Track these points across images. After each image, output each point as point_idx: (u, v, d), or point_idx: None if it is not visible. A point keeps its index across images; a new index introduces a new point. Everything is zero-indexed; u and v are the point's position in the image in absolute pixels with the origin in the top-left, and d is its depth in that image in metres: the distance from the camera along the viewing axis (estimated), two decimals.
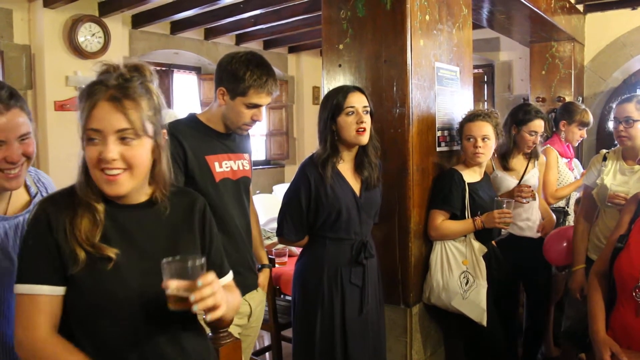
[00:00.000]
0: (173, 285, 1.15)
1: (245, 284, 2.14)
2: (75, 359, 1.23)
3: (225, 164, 2.13)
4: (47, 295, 1.24)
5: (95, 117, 1.21)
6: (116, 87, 1.24)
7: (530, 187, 2.95)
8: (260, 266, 2.41)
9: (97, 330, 1.26)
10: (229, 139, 2.19)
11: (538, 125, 3.10)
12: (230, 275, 1.50)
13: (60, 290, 1.25)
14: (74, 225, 1.23)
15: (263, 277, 2.37)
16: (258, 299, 2.29)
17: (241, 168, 2.20)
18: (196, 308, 1.14)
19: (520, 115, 3.14)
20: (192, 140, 2.04)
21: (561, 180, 3.46)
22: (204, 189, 2.00)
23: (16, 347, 1.25)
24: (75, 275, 1.23)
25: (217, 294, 1.17)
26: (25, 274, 1.25)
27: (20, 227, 1.53)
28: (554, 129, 3.67)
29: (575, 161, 3.86)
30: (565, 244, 2.82)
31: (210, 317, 1.18)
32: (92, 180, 1.26)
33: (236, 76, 2.01)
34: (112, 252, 1.24)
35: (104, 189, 1.24)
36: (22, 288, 1.24)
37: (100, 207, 1.27)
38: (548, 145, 3.49)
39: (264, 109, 2.11)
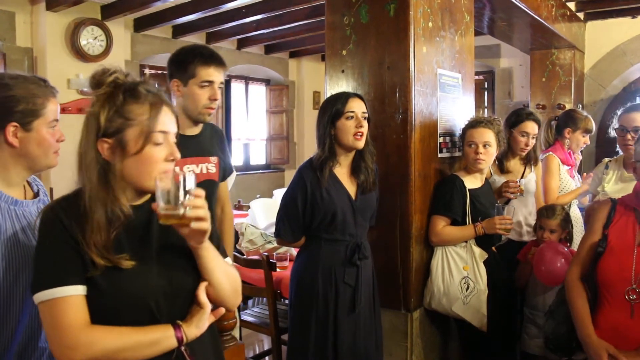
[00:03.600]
0: (163, 205, 1.19)
1: None
2: (130, 331, 1.22)
3: (187, 168, 2.15)
4: (78, 295, 1.21)
5: (162, 121, 1.28)
6: (160, 94, 1.32)
7: (516, 181, 2.95)
8: None
9: None
10: (193, 141, 2.21)
11: (529, 126, 3.10)
12: (229, 260, 1.51)
13: (84, 289, 1.22)
14: (87, 240, 1.22)
15: None
16: None
17: (204, 171, 2.22)
18: (187, 210, 1.19)
19: (513, 118, 3.18)
20: None
21: (562, 188, 3.45)
22: None
23: (67, 356, 1.18)
24: (94, 278, 1.22)
25: (206, 209, 1.23)
26: (49, 278, 1.20)
27: (36, 211, 1.55)
28: (557, 136, 3.68)
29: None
30: (558, 265, 2.63)
31: (197, 225, 1.21)
32: (127, 182, 1.27)
33: (183, 62, 2.14)
34: (128, 263, 1.24)
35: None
36: (47, 294, 1.19)
37: (127, 209, 1.27)
38: (550, 152, 3.49)
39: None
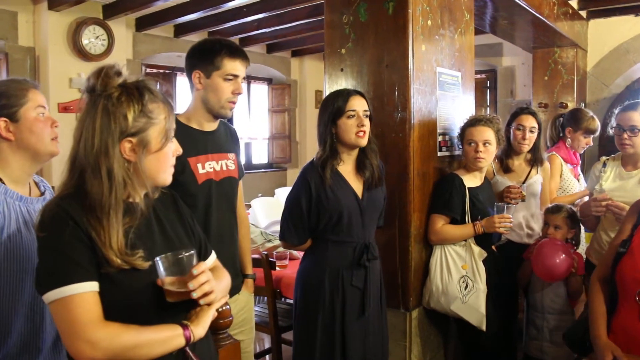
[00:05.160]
0: (169, 281, 1.23)
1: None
2: (144, 329, 1.22)
3: (209, 164, 2.09)
4: (93, 291, 1.20)
5: (174, 119, 1.36)
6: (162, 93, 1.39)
7: (518, 187, 2.92)
8: (243, 275, 2.33)
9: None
10: (212, 137, 2.14)
11: (524, 119, 3.08)
12: (214, 255, 1.53)
13: (97, 286, 1.21)
14: (103, 239, 1.21)
15: (246, 288, 2.32)
16: (240, 305, 2.22)
17: (225, 168, 2.15)
18: (195, 295, 1.23)
19: (510, 115, 3.19)
20: None
21: (565, 188, 3.41)
22: (187, 191, 1.97)
23: (87, 355, 1.16)
24: (109, 275, 1.21)
25: (211, 280, 1.27)
26: (62, 275, 1.18)
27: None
28: (561, 135, 3.65)
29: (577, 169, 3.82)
30: (557, 261, 2.62)
31: (205, 301, 1.26)
32: (145, 179, 1.30)
33: (208, 53, 2.03)
34: (144, 264, 1.25)
35: (169, 180, 1.37)
36: (61, 291, 1.17)
37: (144, 207, 1.31)
38: (553, 152, 3.47)
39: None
